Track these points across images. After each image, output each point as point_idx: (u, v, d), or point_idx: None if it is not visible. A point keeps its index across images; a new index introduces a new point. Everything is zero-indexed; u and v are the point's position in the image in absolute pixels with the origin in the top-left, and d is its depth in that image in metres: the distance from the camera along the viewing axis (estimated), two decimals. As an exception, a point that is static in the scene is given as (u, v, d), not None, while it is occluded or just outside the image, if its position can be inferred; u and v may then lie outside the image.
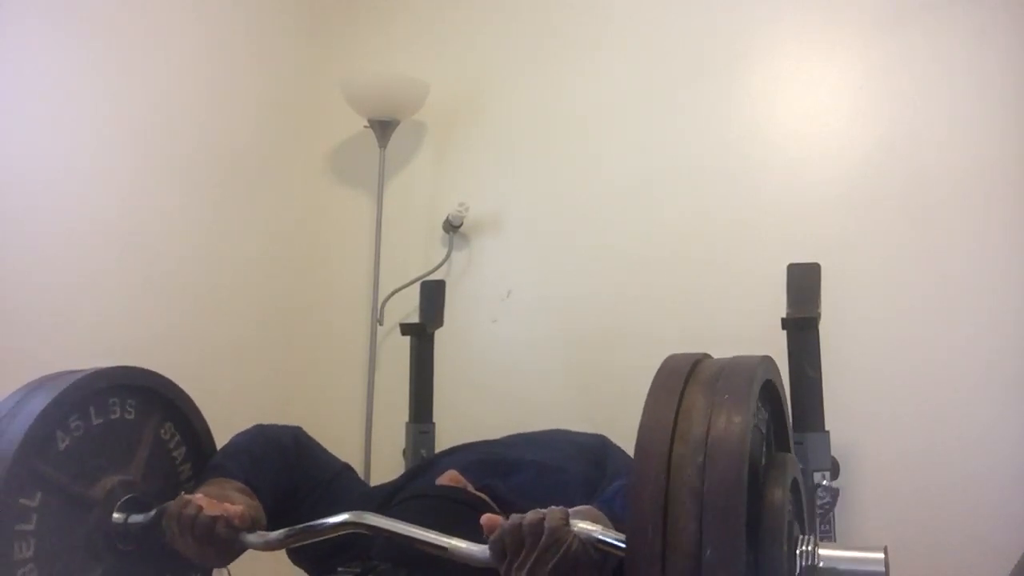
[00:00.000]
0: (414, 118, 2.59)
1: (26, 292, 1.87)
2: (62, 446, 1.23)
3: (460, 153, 2.60)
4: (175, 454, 1.42)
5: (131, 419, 1.35)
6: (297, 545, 1.20)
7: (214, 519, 1.18)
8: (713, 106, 2.28)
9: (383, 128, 2.51)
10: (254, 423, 1.47)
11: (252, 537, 1.20)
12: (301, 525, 1.17)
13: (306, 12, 2.75)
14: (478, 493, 1.29)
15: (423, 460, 1.91)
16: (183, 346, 2.20)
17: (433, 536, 1.06)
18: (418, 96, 2.50)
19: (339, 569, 1.26)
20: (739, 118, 2.25)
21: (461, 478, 1.32)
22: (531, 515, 0.98)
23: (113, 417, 1.32)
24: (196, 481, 1.37)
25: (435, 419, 2.21)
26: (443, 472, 1.35)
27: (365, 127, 2.54)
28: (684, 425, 0.93)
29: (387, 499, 1.37)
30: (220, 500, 1.22)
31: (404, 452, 2.19)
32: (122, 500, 1.28)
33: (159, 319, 2.17)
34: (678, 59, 2.34)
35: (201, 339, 2.27)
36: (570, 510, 1.03)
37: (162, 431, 1.40)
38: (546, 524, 0.96)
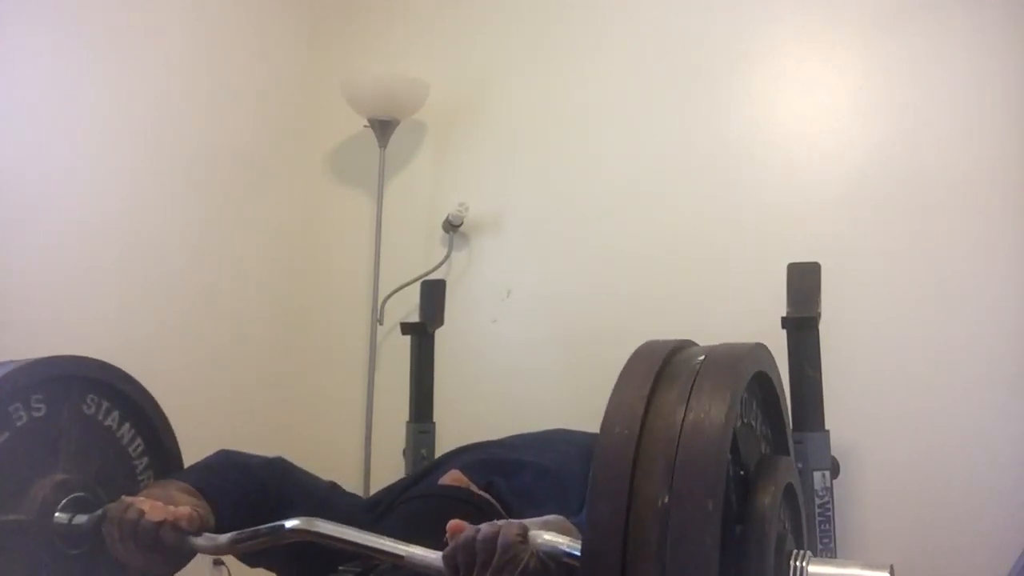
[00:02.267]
0: (414, 118, 2.59)
1: (26, 292, 1.87)
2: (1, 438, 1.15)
3: (460, 153, 2.60)
4: (108, 422, 1.31)
5: (41, 415, 1.21)
6: (248, 550, 1.11)
7: (158, 524, 1.09)
8: (713, 106, 2.28)
9: (383, 128, 2.51)
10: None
11: (200, 540, 1.11)
12: (251, 529, 1.08)
13: (306, 12, 2.75)
14: (482, 493, 1.29)
15: (426, 463, 1.90)
16: (183, 346, 2.21)
17: (389, 544, 0.99)
18: (418, 96, 2.50)
19: (339, 568, 1.21)
20: (739, 118, 2.25)
21: (464, 478, 1.32)
22: (486, 529, 0.91)
23: (20, 423, 1.19)
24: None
25: (435, 419, 2.21)
26: (446, 473, 1.35)
27: (365, 127, 2.54)
28: (654, 417, 0.81)
29: (390, 503, 1.36)
30: (165, 502, 1.13)
31: (404, 452, 2.19)
32: (64, 501, 1.19)
33: (159, 319, 2.17)
34: (678, 59, 2.34)
35: (201, 339, 2.27)
36: (539, 519, 0.97)
37: (84, 407, 1.26)
38: (500, 540, 0.89)
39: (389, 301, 2.52)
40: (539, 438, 1.66)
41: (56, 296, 1.93)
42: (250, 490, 1.27)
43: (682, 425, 0.79)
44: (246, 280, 2.46)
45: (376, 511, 1.35)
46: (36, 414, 1.21)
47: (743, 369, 0.87)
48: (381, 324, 2.53)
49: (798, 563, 0.87)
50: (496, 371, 2.41)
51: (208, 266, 2.33)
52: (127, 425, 1.32)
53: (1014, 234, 1.94)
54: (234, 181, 2.45)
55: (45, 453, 1.21)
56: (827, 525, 1.64)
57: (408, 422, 2.19)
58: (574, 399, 2.29)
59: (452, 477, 1.32)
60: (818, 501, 1.63)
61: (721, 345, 0.92)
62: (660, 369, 0.86)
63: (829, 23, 2.18)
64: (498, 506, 1.26)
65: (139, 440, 1.34)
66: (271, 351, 2.53)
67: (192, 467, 1.30)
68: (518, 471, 1.40)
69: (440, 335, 2.24)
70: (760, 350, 0.96)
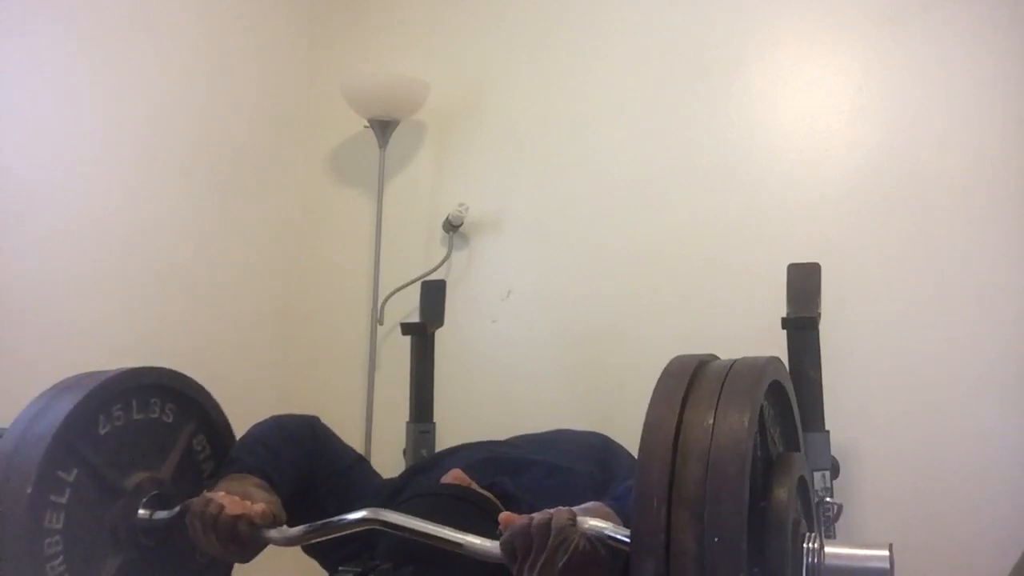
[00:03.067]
0: (414, 118, 2.59)
1: (26, 292, 1.87)
2: (102, 431, 1.27)
3: (460, 153, 2.60)
4: (204, 466, 1.45)
5: (169, 422, 1.39)
6: (319, 540, 1.23)
7: (236, 518, 1.20)
8: (713, 106, 2.28)
9: (383, 128, 2.51)
10: (254, 423, 1.47)
11: (273, 533, 1.23)
12: (321, 522, 1.20)
13: (306, 12, 2.75)
14: (483, 492, 1.29)
15: (425, 458, 1.91)
16: (183, 346, 2.20)
17: (448, 532, 1.08)
18: (418, 96, 2.50)
19: (339, 568, 1.26)
20: (739, 118, 2.25)
21: (466, 477, 1.33)
22: (539, 516, 1.00)
23: (152, 416, 1.36)
24: (216, 474, 1.38)
25: (435, 419, 2.21)
26: (447, 470, 1.36)
27: (365, 127, 2.54)
28: (688, 425, 0.94)
29: (392, 495, 1.39)
30: (241, 497, 1.24)
31: (404, 452, 2.19)
32: (149, 495, 1.31)
33: (159, 319, 2.17)
34: (678, 59, 2.34)
35: (201, 339, 2.27)
36: (579, 507, 1.04)
37: (195, 441, 1.44)
38: (553, 524, 0.98)
39: (389, 301, 2.52)
40: (543, 439, 1.66)
41: (56, 296, 1.94)
42: (301, 462, 1.42)
43: (712, 432, 0.92)
44: (246, 280, 2.46)
45: (380, 499, 1.37)
46: (166, 418, 1.39)
47: (762, 381, 0.99)
48: (381, 324, 2.53)
49: (810, 544, 0.99)
50: (496, 371, 2.41)
51: (208, 266, 2.34)
52: (191, 424, 1.44)
53: (1014, 234, 1.94)
54: (234, 181, 2.45)
55: (156, 450, 1.37)
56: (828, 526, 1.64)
57: (408, 422, 2.19)
58: (574, 399, 2.30)
59: (454, 476, 1.33)
60: (825, 513, 1.63)
61: (741, 360, 1.04)
62: (689, 383, 0.99)
63: (829, 23, 2.18)
64: (500, 505, 1.27)
65: (202, 436, 1.46)
66: (271, 351, 2.53)
67: (252, 444, 1.40)
68: (525, 469, 1.42)
69: (440, 335, 2.24)
70: (775, 363, 1.08)
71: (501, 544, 1.02)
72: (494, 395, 2.39)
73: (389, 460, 2.33)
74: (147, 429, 1.35)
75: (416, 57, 2.66)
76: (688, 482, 0.90)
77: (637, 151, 2.36)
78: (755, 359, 1.04)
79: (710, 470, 0.89)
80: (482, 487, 1.33)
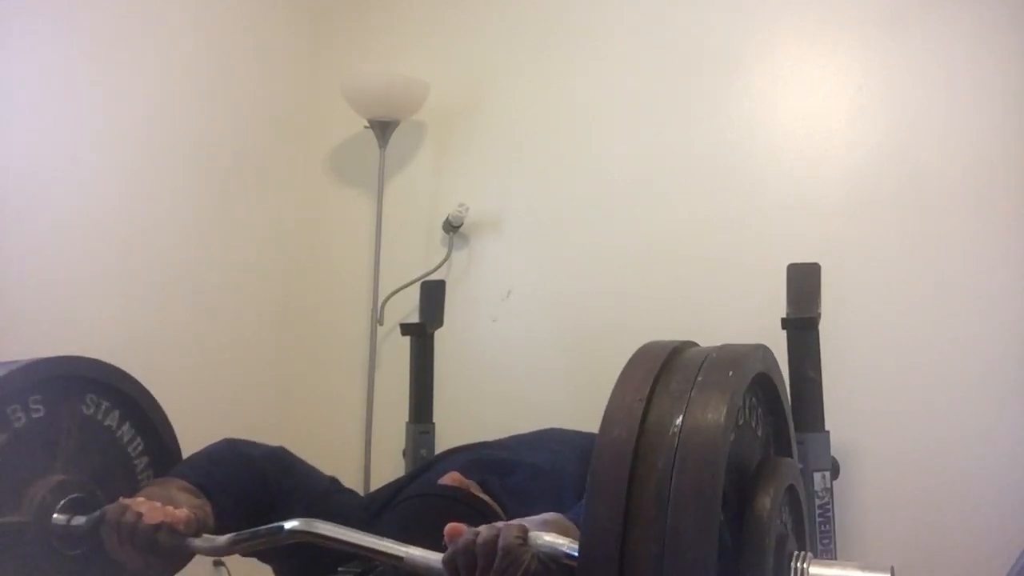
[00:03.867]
0: (414, 118, 2.59)
1: (26, 291, 1.87)
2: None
3: (460, 153, 2.60)
4: (107, 422, 1.30)
5: (40, 416, 1.21)
6: (247, 551, 1.12)
7: (155, 527, 1.08)
8: (713, 106, 2.28)
9: (383, 128, 2.51)
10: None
11: (199, 542, 1.11)
12: (249, 531, 1.09)
13: (306, 12, 2.75)
14: (480, 495, 1.29)
15: (421, 463, 1.91)
16: (183, 346, 2.21)
17: (387, 544, 0.99)
18: (418, 96, 2.50)
19: (339, 569, 1.21)
20: (739, 118, 2.25)
21: (463, 479, 1.32)
22: (485, 531, 0.90)
23: (19, 425, 1.18)
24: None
25: (435, 419, 2.21)
26: (443, 473, 1.35)
27: (365, 127, 2.54)
28: (655, 417, 0.81)
29: (388, 500, 1.37)
30: (163, 503, 1.13)
31: (404, 452, 2.20)
32: (63, 502, 1.18)
33: (159, 319, 2.17)
34: (678, 59, 2.34)
35: (201, 339, 2.27)
36: (536, 519, 0.97)
37: (84, 407, 1.26)
38: (500, 543, 0.88)
39: (389, 301, 2.52)
40: (533, 438, 1.66)
41: (56, 296, 1.93)
42: (251, 484, 1.27)
43: (680, 428, 0.79)
44: (246, 280, 2.46)
45: (374, 506, 1.35)
46: (35, 415, 1.21)
47: (743, 371, 0.86)
48: (381, 324, 2.53)
49: (799, 564, 0.87)
50: (496, 371, 2.41)
51: (208, 266, 2.33)
52: (127, 424, 1.32)
53: (1014, 234, 1.94)
54: (234, 181, 2.44)
55: (44, 454, 1.21)
56: (827, 526, 1.64)
57: (408, 422, 2.19)
58: (574, 399, 2.29)
59: (451, 478, 1.32)
60: (818, 502, 1.63)
61: (722, 346, 0.92)
62: (660, 371, 0.86)
63: (829, 23, 2.18)
64: (497, 507, 1.26)
65: (139, 439, 1.34)
66: (271, 351, 2.53)
67: (195, 458, 1.30)
68: (512, 471, 1.40)
69: (440, 335, 2.24)
70: (762, 351, 0.95)
71: (443, 560, 0.92)
72: (494, 395, 2.39)
73: (389, 460, 2.34)
74: (20, 442, 1.17)
75: (416, 57, 2.66)
76: (649, 490, 0.77)
77: (637, 151, 2.36)
78: (738, 347, 0.91)
79: (676, 476, 0.76)
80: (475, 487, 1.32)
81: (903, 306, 2.01)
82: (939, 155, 2.02)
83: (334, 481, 1.44)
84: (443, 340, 2.24)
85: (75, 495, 1.20)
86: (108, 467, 1.27)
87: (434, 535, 0.99)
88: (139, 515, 1.09)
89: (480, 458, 1.46)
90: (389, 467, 2.31)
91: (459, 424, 2.19)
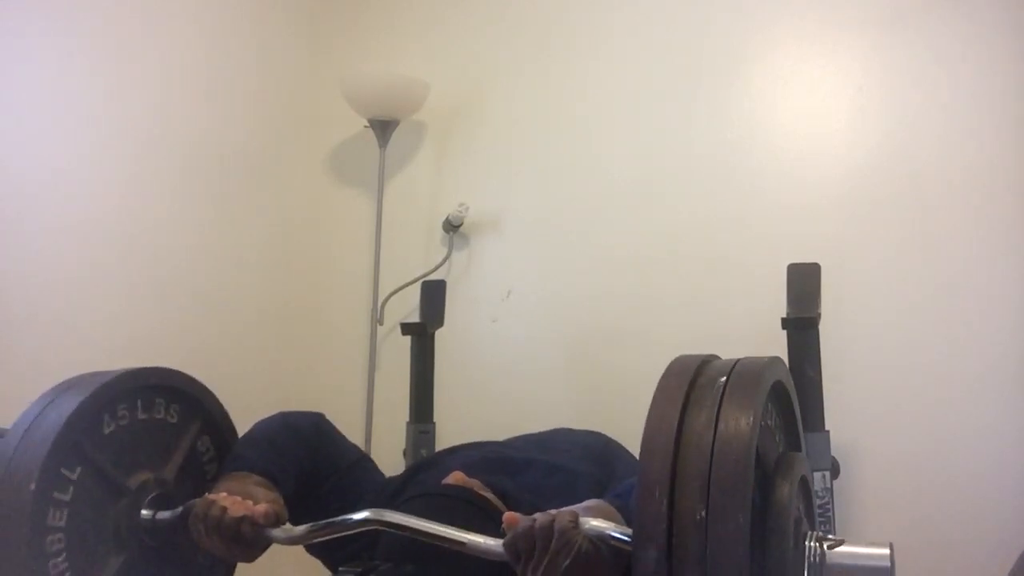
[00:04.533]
0: (414, 118, 2.59)
1: (26, 292, 1.87)
2: (107, 430, 1.28)
3: (460, 153, 2.60)
4: (207, 468, 1.45)
5: (173, 423, 1.40)
6: (322, 539, 1.23)
7: (239, 520, 1.20)
8: (713, 106, 2.28)
9: (383, 128, 2.51)
10: (254, 423, 1.47)
11: (277, 532, 1.23)
12: (324, 521, 1.21)
13: (306, 12, 2.75)
14: (485, 493, 1.30)
15: (425, 457, 1.91)
16: (183, 346, 2.20)
17: (451, 532, 1.09)
18: (418, 96, 2.50)
19: (339, 569, 1.27)
20: (739, 118, 2.25)
21: (467, 479, 1.33)
22: (542, 517, 1.00)
23: (157, 416, 1.37)
24: (218, 472, 1.39)
25: (435, 419, 2.21)
26: (447, 471, 1.36)
27: (365, 127, 2.54)
28: (690, 428, 0.94)
29: (393, 495, 1.39)
30: (243, 497, 1.25)
31: (404, 452, 2.19)
32: (152, 496, 1.32)
33: (159, 319, 2.17)
34: (678, 59, 2.35)
35: (201, 339, 2.27)
36: (581, 506, 1.05)
37: (199, 443, 1.44)
38: (555, 526, 0.98)
39: (389, 301, 2.52)
40: (542, 439, 1.67)
41: (56, 296, 1.94)
42: (304, 459, 1.42)
43: (715, 434, 0.92)
44: (246, 280, 2.46)
45: (381, 498, 1.38)
46: (171, 419, 1.40)
47: (763, 383, 0.99)
48: (381, 324, 2.53)
49: (812, 543, 1.00)
50: (496, 371, 2.41)
51: (208, 266, 2.33)
52: (195, 425, 1.44)
53: (1014, 234, 1.94)
54: (234, 181, 2.45)
55: (160, 451, 1.37)
56: (827, 526, 1.64)
57: (408, 422, 2.19)
58: (574, 399, 2.30)
59: (455, 477, 1.33)
60: (818, 502, 1.63)
61: (743, 360, 1.04)
62: (691, 383, 0.99)
63: (829, 23, 2.19)
64: (501, 506, 1.27)
65: (205, 437, 1.47)
66: (271, 351, 2.53)
67: (256, 442, 1.40)
68: (525, 469, 1.42)
69: (440, 335, 2.24)
70: (776, 362, 1.08)
71: (504, 544, 1.02)
72: (494, 395, 2.39)
73: (389, 460, 2.33)
74: (151, 429, 1.35)
75: (416, 57, 2.66)
76: (691, 476, 0.90)
77: (637, 151, 2.36)
78: (758, 359, 1.05)
79: (714, 466, 0.89)
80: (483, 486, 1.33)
81: (903, 306, 2.01)
82: (939, 155, 2.02)
83: (364, 458, 1.58)
84: (443, 340, 2.24)
85: (158, 492, 1.33)
86: (182, 465, 1.41)
87: None
88: (224, 509, 1.21)
89: (490, 456, 1.48)
90: (389, 467, 2.28)
91: (459, 424, 2.19)
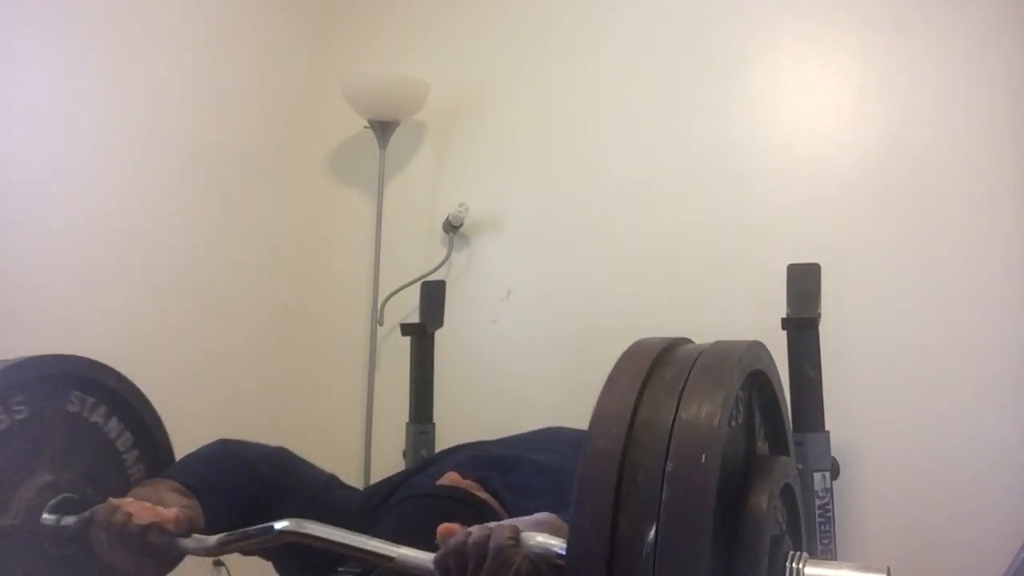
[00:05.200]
0: (414, 118, 2.59)
1: (25, 292, 1.87)
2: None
3: (460, 153, 2.60)
4: (94, 418, 1.28)
5: (23, 418, 1.19)
6: (237, 550, 1.11)
7: (145, 527, 1.08)
8: (713, 106, 2.28)
9: (383, 128, 2.51)
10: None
11: (189, 542, 1.11)
12: (239, 531, 1.08)
13: (306, 12, 2.75)
14: (480, 494, 1.29)
15: (420, 460, 1.91)
16: (183, 346, 2.20)
17: (376, 544, 0.99)
18: (418, 96, 2.50)
19: (339, 569, 1.20)
20: (739, 118, 2.25)
21: (461, 479, 1.32)
22: (477, 532, 0.90)
23: (1, 427, 1.16)
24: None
25: (435, 419, 2.21)
26: (442, 472, 1.35)
27: (365, 127, 2.54)
28: (645, 414, 0.80)
29: (386, 498, 1.37)
30: (153, 503, 1.13)
31: (404, 452, 2.19)
32: (52, 502, 1.17)
33: (159, 319, 2.17)
34: (678, 59, 2.34)
35: (201, 339, 2.27)
36: (528, 519, 0.97)
37: (68, 405, 1.24)
38: (491, 544, 0.88)
39: (389, 302, 2.52)
40: (534, 437, 1.66)
41: (55, 296, 1.93)
42: (245, 484, 1.27)
43: (672, 428, 0.78)
44: (246, 280, 2.46)
45: (371, 503, 1.35)
46: (18, 416, 1.19)
47: (738, 368, 0.85)
48: (381, 325, 2.53)
49: (794, 564, 0.86)
50: (496, 371, 2.41)
51: (208, 266, 2.33)
52: (114, 420, 1.30)
53: (1014, 234, 1.94)
54: (234, 181, 2.44)
55: (30, 455, 1.19)
56: (827, 526, 1.64)
57: (408, 422, 2.19)
58: (574, 399, 2.28)
59: (449, 478, 1.32)
60: (818, 502, 1.63)
61: (716, 343, 0.90)
62: (651, 368, 0.85)
63: (829, 23, 2.18)
64: (496, 506, 1.26)
65: (128, 434, 1.32)
66: (271, 351, 2.53)
67: (186, 459, 1.29)
68: (513, 468, 1.39)
69: (440, 335, 2.24)
70: (757, 348, 0.93)
71: (435, 561, 0.92)
72: (494, 395, 2.39)
73: (389, 460, 2.34)
74: (3, 445, 1.16)
75: (416, 57, 2.66)
76: (637, 507, 0.75)
77: (637, 151, 2.36)
78: (731, 344, 0.89)
79: (668, 474, 0.75)
80: (473, 484, 1.32)
81: (903, 306, 2.01)
82: (939, 155, 2.02)
83: (333, 479, 1.44)
84: (443, 340, 2.24)
85: (65, 495, 1.19)
86: (98, 465, 1.26)
87: (433, 536, 0.98)
88: (129, 515, 1.09)
89: (480, 455, 1.46)
90: (389, 467, 2.31)
91: (459, 424, 2.18)
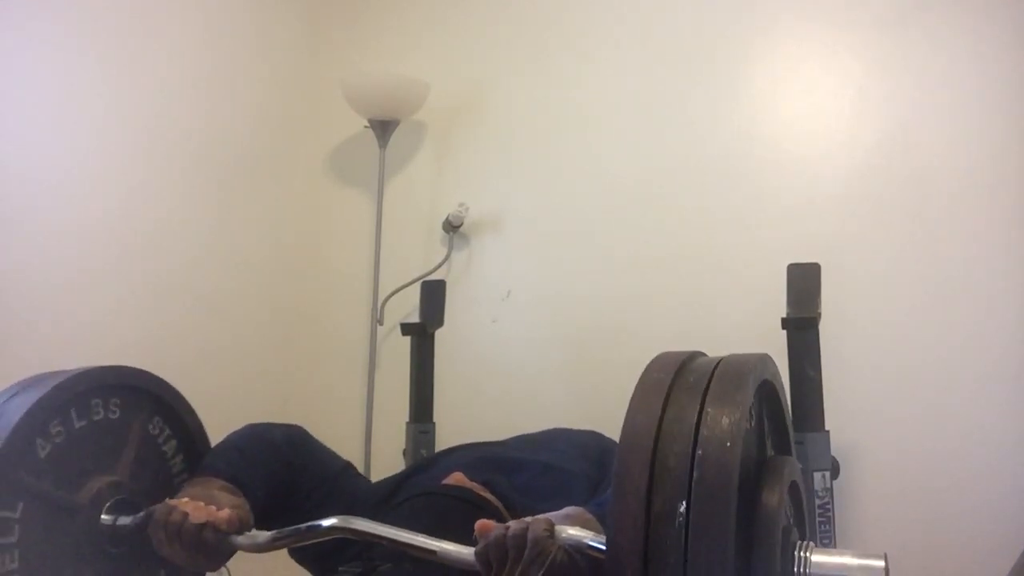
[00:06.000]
0: (414, 118, 2.59)
1: (26, 292, 1.87)
2: (43, 453, 1.21)
3: (460, 153, 2.60)
4: (165, 448, 1.40)
5: (115, 418, 1.33)
6: (287, 547, 1.19)
7: (200, 526, 1.16)
8: (713, 106, 2.28)
9: (383, 128, 2.51)
10: (252, 424, 1.46)
11: (241, 539, 1.19)
12: (290, 528, 1.17)
13: (306, 12, 2.75)
14: (485, 494, 1.29)
15: (423, 458, 1.91)
16: (183, 346, 2.21)
17: (421, 539, 1.05)
18: (418, 96, 2.50)
19: (340, 569, 1.24)
20: (739, 118, 2.25)
21: (467, 480, 1.32)
22: (515, 525, 0.97)
23: (96, 418, 1.30)
24: (189, 474, 1.35)
25: (435, 419, 2.21)
26: (446, 471, 1.35)
27: (365, 127, 2.54)
28: (671, 425, 0.89)
29: (389, 495, 1.38)
30: (206, 502, 1.20)
31: (404, 452, 2.20)
32: (110, 502, 1.26)
33: (159, 319, 2.17)
34: (678, 59, 2.35)
35: (201, 339, 2.27)
36: (559, 514, 1.02)
37: (150, 427, 1.38)
38: (529, 535, 0.95)
39: (389, 301, 2.52)
40: (539, 438, 1.66)
41: (56, 296, 1.94)
42: (277, 469, 1.36)
43: (699, 421, 0.87)
44: (246, 280, 2.46)
45: (374, 500, 1.37)
46: (112, 415, 1.32)
47: (753, 375, 0.94)
48: (381, 324, 2.53)
49: (802, 553, 0.95)
50: (496, 371, 2.41)
51: (208, 266, 2.33)
52: (180, 456, 1.42)
53: (1014, 234, 1.94)
54: (234, 181, 2.45)
55: (109, 453, 1.31)
56: (827, 525, 1.64)
57: (408, 422, 2.19)
58: (574, 399, 2.30)
59: (455, 478, 1.32)
60: (818, 501, 1.63)
61: (729, 357, 0.99)
62: (673, 380, 0.94)
63: (829, 23, 2.18)
64: (501, 507, 1.26)
65: (182, 461, 1.43)
66: (271, 351, 2.53)
67: (224, 449, 1.35)
68: (519, 469, 1.41)
69: (440, 335, 2.24)
70: (765, 360, 1.03)
71: (476, 553, 0.98)
72: (494, 395, 2.39)
73: (389, 460, 2.34)
74: (94, 433, 1.28)
75: (416, 57, 2.66)
76: (670, 487, 0.84)
77: (637, 151, 2.36)
78: (745, 356, 1.00)
79: (695, 473, 0.84)
80: (479, 485, 1.33)
81: (903, 306, 2.01)
82: (939, 155, 2.02)
83: (349, 465, 1.50)
84: (443, 340, 2.24)
85: (122, 497, 1.28)
86: (156, 486, 1.36)
87: (439, 533, 1.04)
88: (185, 515, 1.17)
89: (485, 456, 1.47)
90: (389, 467, 2.30)
91: (459, 424, 2.19)
